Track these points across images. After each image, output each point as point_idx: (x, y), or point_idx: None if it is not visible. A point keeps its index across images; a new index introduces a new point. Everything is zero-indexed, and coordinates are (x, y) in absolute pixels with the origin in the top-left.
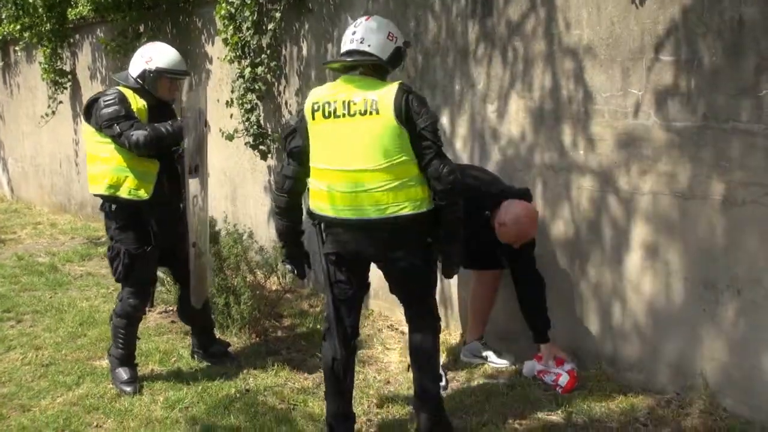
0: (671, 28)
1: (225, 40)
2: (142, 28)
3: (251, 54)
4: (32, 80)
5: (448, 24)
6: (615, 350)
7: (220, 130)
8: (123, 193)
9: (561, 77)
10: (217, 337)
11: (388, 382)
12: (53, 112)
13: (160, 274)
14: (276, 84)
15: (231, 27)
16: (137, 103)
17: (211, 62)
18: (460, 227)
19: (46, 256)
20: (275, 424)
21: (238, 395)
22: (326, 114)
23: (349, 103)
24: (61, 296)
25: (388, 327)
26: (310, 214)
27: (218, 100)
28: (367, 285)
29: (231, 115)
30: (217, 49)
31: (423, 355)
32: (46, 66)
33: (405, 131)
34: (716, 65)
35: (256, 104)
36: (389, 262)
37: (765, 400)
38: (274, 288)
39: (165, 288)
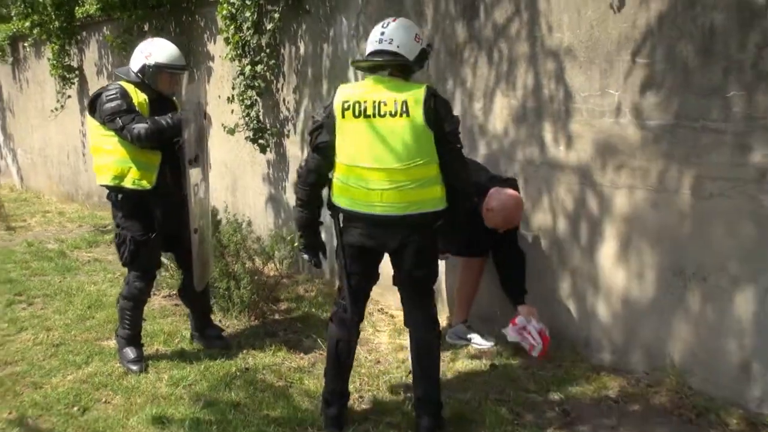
0: (647, 32)
1: (226, 39)
2: (146, 27)
3: (251, 52)
4: (41, 75)
5: (438, 25)
6: (589, 333)
7: (222, 124)
8: (127, 183)
9: (543, 77)
10: (217, 321)
11: (378, 361)
12: (62, 106)
13: (164, 260)
14: (274, 81)
15: (232, 27)
16: (138, 97)
17: (212, 60)
18: (465, 222)
19: (55, 243)
20: (273, 400)
21: (238, 373)
22: (356, 113)
23: (379, 103)
24: (69, 281)
25: (378, 311)
26: (331, 206)
27: (219, 96)
28: (377, 276)
29: (232, 111)
30: (218, 48)
31: (426, 361)
32: (55, 62)
33: (431, 133)
34: (688, 68)
35: (256, 100)
36: (405, 253)
37: (727, 379)
38: (271, 274)
39: (169, 273)
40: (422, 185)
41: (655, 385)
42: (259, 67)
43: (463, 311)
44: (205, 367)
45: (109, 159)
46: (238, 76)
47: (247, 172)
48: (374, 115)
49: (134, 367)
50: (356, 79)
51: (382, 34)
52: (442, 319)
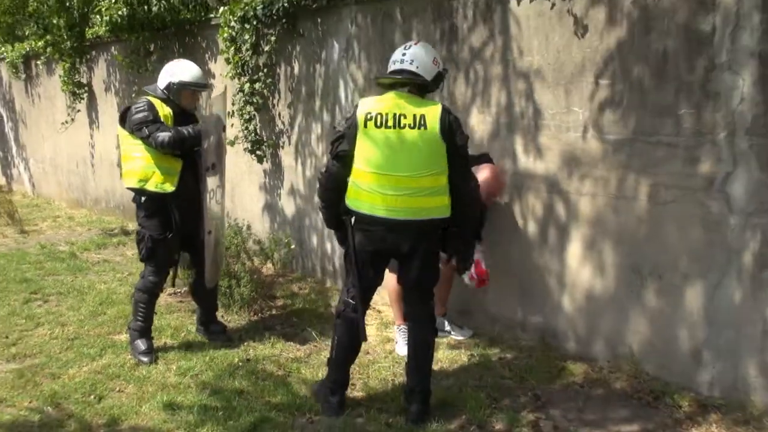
0: (607, 56)
1: (227, 59)
2: (152, 47)
3: (250, 71)
4: (51, 90)
5: None
6: (557, 325)
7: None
8: (150, 186)
9: (515, 96)
10: (219, 316)
11: (368, 352)
12: (72, 120)
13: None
14: (271, 98)
15: (232, 48)
16: (164, 110)
17: (214, 78)
18: (476, 231)
19: (65, 245)
20: (274, 388)
21: (240, 364)
22: (378, 124)
23: (400, 116)
24: (81, 280)
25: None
26: (346, 210)
27: None
28: (383, 277)
29: (232, 125)
30: (219, 66)
31: (423, 355)
32: (66, 79)
33: (444, 145)
34: (644, 88)
35: (254, 115)
36: (414, 256)
37: (681, 366)
38: (268, 273)
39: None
40: (432, 193)
41: (616, 372)
42: (257, 85)
43: (442, 304)
44: (210, 358)
45: (136, 164)
46: (237, 93)
47: (245, 180)
48: (394, 126)
49: (145, 359)
50: (347, 98)
51: (404, 54)
52: None
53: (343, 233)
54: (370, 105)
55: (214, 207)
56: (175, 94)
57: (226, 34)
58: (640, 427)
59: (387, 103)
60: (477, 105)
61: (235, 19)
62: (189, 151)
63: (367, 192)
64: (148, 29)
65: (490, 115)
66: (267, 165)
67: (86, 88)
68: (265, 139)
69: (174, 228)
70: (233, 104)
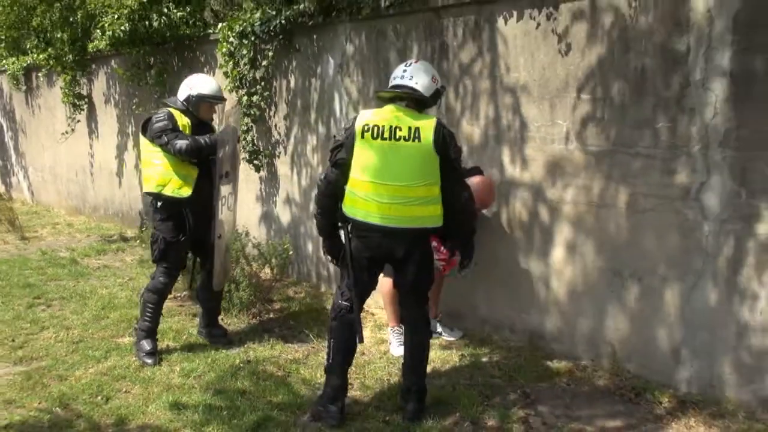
0: (589, 73)
1: (225, 73)
2: (152, 61)
3: (247, 85)
4: (51, 101)
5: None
6: (543, 326)
7: None
8: (168, 191)
9: (502, 110)
10: (219, 319)
11: (363, 353)
12: (72, 130)
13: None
14: (267, 110)
15: (231, 62)
16: (182, 120)
17: None
18: (472, 235)
19: (66, 251)
20: (275, 388)
21: (242, 365)
22: (375, 135)
23: (396, 128)
24: (83, 285)
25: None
26: (343, 217)
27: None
28: (377, 282)
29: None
30: (217, 80)
31: (418, 356)
32: (67, 90)
33: (437, 158)
34: (624, 103)
35: (251, 126)
36: (408, 262)
37: (659, 364)
38: (265, 278)
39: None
40: (425, 203)
41: (599, 370)
42: (254, 98)
43: (434, 307)
44: (212, 359)
45: (155, 170)
46: (235, 105)
47: (242, 188)
48: (390, 138)
49: (148, 360)
50: (341, 111)
51: (404, 71)
52: None
53: (334, 242)
54: (368, 117)
55: (225, 213)
56: (194, 105)
57: (225, 49)
58: (624, 422)
59: (384, 115)
60: (466, 118)
61: (234, 34)
62: (205, 159)
63: (363, 200)
64: (148, 44)
65: (479, 128)
66: (263, 174)
67: (86, 100)
68: (261, 150)
69: (187, 232)
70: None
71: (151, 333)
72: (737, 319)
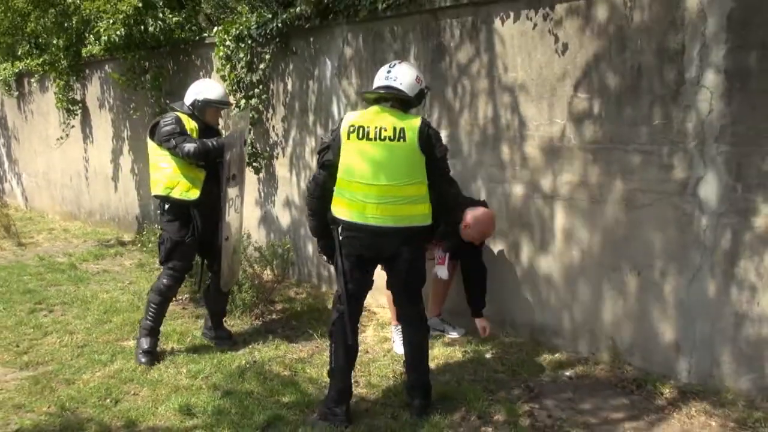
0: (586, 72)
1: (223, 77)
2: (147, 65)
3: (245, 88)
4: (44, 107)
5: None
6: (544, 321)
7: None
8: (176, 194)
9: (500, 109)
10: (224, 323)
11: (367, 351)
12: (67, 135)
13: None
14: (265, 113)
15: (228, 66)
16: (190, 124)
17: None
18: (458, 231)
19: (64, 257)
20: (282, 387)
21: (248, 365)
22: (360, 136)
23: (381, 129)
24: (83, 290)
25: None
26: (332, 219)
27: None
28: (372, 283)
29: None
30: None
31: (418, 352)
32: (60, 96)
33: (423, 157)
34: (621, 101)
35: (249, 129)
36: (398, 261)
37: (660, 356)
38: (267, 279)
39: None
40: (413, 202)
41: (600, 363)
42: (252, 101)
43: (437, 306)
44: (218, 361)
45: (163, 174)
46: (233, 109)
47: None
48: (375, 139)
49: (143, 359)
50: (339, 112)
51: (389, 72)
52: None
53: (328, 242)
54: (353, 118)
55: (233, 215)
56: (200, 110)
57: (221, 53)
58: (626, 413)
59: (370, 116)
60: (465, 118)
61: (230, 38)
62: (212, 162)
63: (351, 201)
64: (144, 48)
65: (478, 127)
66: (262, 176)
67: (80, 105)
68: (260, 152)
69: (194, 233)
70: (229, 119)
71: (151, 332)
72: (735, 310)
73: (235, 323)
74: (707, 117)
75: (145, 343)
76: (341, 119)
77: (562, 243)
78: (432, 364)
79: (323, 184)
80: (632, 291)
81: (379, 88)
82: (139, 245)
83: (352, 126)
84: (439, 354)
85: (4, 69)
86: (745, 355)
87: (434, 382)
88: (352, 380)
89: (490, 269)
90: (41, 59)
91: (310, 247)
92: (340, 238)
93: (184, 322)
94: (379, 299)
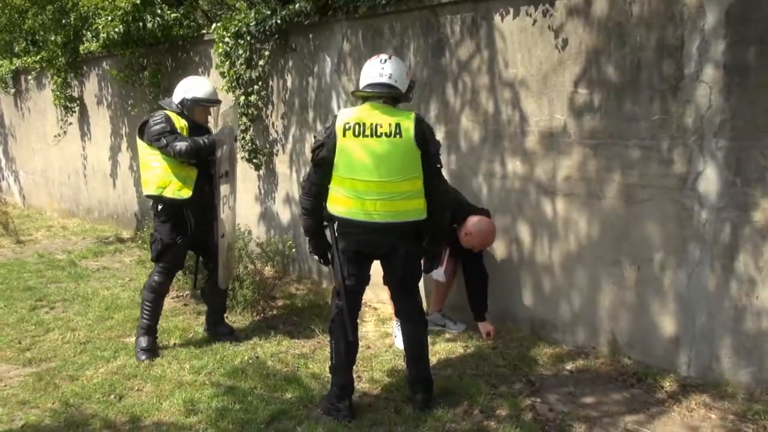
0: (586, 68)
1: (222, 73)
2: (145, 62)
3: (244, 84)
4: (42, 104)
5: (411, 61)
6: (545, 316)
7: None
8: (168, 193)
9: (501, 105)
10: (225, 319)
11: (369, 347)
12: (64, 133)
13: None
14: (265, 109)
15: (227, 62)
16: (180, 122)
17: None
18: (445, 234)
19: (63, 254)
20: (285, 382)
21: (250, 361)
22: (356, 133)
23: (376, 125)
24: (84, 287)
25: (362, 304)
26: (328, 216)
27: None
28: (369, 278)
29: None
30: (212, 80)
31: (417, 346)
32: (58, 93)
33: (419, 152)
34: (620, 96)
35: (249, 126)
36: (394, 256)
37: (660, 349)
38: (268, 275)
39: (183, 277)
40: (409, 197)
41: (601, 357)
42: (251, 97)
43: (439, 302)
44: (220, 356)
45: (153, 174)
46: (232, 105)
47: (240, 187)
48: (372, 135)
49: (142, 356)
50: (338, 108)
51: (382, 68)
52: None
53: (320, 241)
54: (348, 115)
55: (226, 212)
56: (189, 109)
57: (221, 50)
58: (627, 407)
59: (364, 113)
60: (466, 113)
61: (229, 35)
62: (204, 160)
63: (347, 197)
64: (142, 45)
65: (479, 123)
66: (262, 173)
67: (78, 102)
68: (260, 149)
69: (186, 233)
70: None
71: (148, 330)
72: (735, 304)
73: (236, 319)
74: (706, 112)
75: (143, 342)
76: (335, 116)
77: (563, 237)
78: (434, 359)
79: (318, 183)
80: (632, 285)
81: (373, 85)
82: (138, 242)
83: (348, 123)
84: (440, 349)
85: (1, 66)
86: (744, 348)
87: (436, 376)
88: (355, 375)
89: (491, 264)
90: (39, 56)
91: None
92: (336, 234)
93: (186, 318)
94: (380, 294)
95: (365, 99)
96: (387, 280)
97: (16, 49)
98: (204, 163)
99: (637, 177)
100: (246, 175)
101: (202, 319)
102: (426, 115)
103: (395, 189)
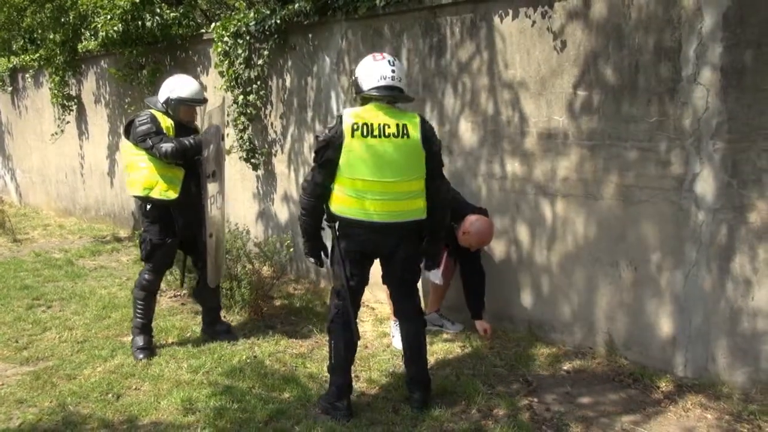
0: (585, 69)
1: (221, 73)
2: (143, 61)
3: (243, 84)
4: (39, 103)
5: (411, 62)
6: (542, 316)
7: None
8: (155, 194)
9: (500, 106)
10: (222, 316)
11: (366, 347)
12: (62, 131)
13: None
14: (263, 109)
15: (226, 62)
16: (165, 122)
17: (206, 90)
18: (445, 234)
19: (60, 253)
20: (283, 382)
21: (248, 361)
22: (364, 133)
23: (384, 126)
24: (81, 286)
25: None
26: (331, 216)
27: None
28: (369, 278)
29: (227, 134)
30: (210, 79)
31: (416, 345)
32: (56, 91)
33: (424, 152)
34: (618, 98)
35: (248, 125)
36: (396, 256)
37: (656, 350)
38: (266, 275)
39: (173, 276)
40: (414, 196)
41: (598, 358)
42: (250, 97)
43: (437, 302)
44: (218, 356)
45: (140, 174)
46: (232, 105)
47: (237, 187)
48: (380, 135)
49: (140, 355)
50: (337, 108)
51: (393, 72)
52: None
53: (317, 243)
54: (355, 115)
55: (215, 212)
56: (173, 109)
57: (220, 49)
58: (623, 407)
59: (371, 113)
60: (465, 114)
61: (229, 34)
62: (191, 160)
63: (354, 198)
64: (141, 44)
65: (478, 124)
66: (260, 172)
67: (76, 101)
68: (258, 148)
69: (174, 234)
70: (228, 115)
71: (143, 329)
72: (731, 305)
73: (234, 319)
74: (703, 114)
75: (140, 341)
76: (339, 116)
77: (560, 238)
78: (431, 359)
79: (323, 183)
80: (629, 286)
81: (386, 88)
82: (135, 241)
83: (356, 124)
84: (438, 349)
85: None
86: (740, 349)
87: (434, 376)
88: (352, 375)
89: (488, 264)
90: (37, 54)
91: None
92: (339, 235)
93: (183, 317)
94: (377, 294)
95: (369, 99)
96: (387, 280)
97: (14, 47)
98: (191, 164)
99: (635, 178)
100: (244, 175)
101: (200, 318)
102: (430, 116)
103: (400, 189)
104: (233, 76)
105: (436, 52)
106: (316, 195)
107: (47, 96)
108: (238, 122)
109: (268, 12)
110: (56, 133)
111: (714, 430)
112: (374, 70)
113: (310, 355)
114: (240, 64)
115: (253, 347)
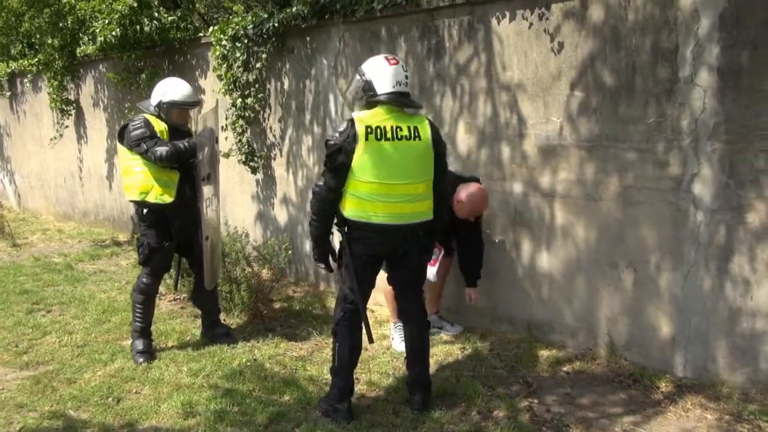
0: (582, 71)
1: (219, 76)
2: (142, 65)
3: (241, 87)
4: (37, 107)
5: (409, 65)
6: (542, 317)
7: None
8: (151, 198)
9: (498, 108)
10: (221, 319)
11: (366, 349)
12: (61, 135)
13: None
14: (262, 112)
15: (224, 65)
16: (159, 126)
17: (204, 93)
18: (441, 230)
19: (59, 257)
20: (284, 385)
21: (248, 364)
22: (379, 136)
23: (397, 128)
24: (81, 290)
25: None
26: (342, 220)
27: None
28: (376, 279)
29: (226, 138)
30: (209, 82)
31: (419, 347)
32: (54, 96)
33: (434, 153)
34: (616, 99)
35: (246, 128)
36: (407, 257)
37: (656, 350)
38: (265, 278)
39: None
40: (422, 199)
41: (597, 359)
42: (248, 100)
43: (434, 304)
44: (218, 359)
45: (135, 179)
46: (230, 108)
47: (236, 190)
48: (393, 138)
49: (140, 359)
50: (335, 111)
51: (406, 77)
52: None
53: (326, 248)
54: (367, 119)
55: (210, 215)
56: (165, 112)
57: (218, 52)
58: (623, 408)
59: (382, 116)
60: (463, 116)
61: (227, 38)
62: (185, 163)
63: (367, 201)
64: (139, 48)
65: (476, 126)
66: (259, 175)
67: (74, 105)
68: (257, 151)
69: (171, 237)
70: (226, 118)
71: (143, 332)
72: (730, 305)
73: (234, 322)
74: (701, 115)
75: (139, 345)
76: (351, 120)
77: (559, 240)
78: (431, 361)
79: (336, 188)
80: (628, 287)
81: (400, 94)
82: (134, 245)
83: (370, 127)
84: (438, 351)
85: None
86: (739, 349)
87: (434, 378)
88: (354, 377)
89: (488, 266)
90: (35, 59)
91: (308, 246)
92: (350, 238)
93: (183, 321)
94: (376, 297)
95: (377, 102)
96: (393, 282)
97: (13, 51)
98: (186, 167)
99: (633, 179)
100: (243, 178)
101: (199, 321)
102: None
103: (413, 191)
104: (231, 80)
105: (434, 55)
106: (328, 200)
107: (46, 100)
108: (237, 125)
109: (266, 15)
110: (55, 138)
111: (714, 431)
112: (390, 74)
113: (310, 358)
114: (238, 67)
115: (253, 350)
